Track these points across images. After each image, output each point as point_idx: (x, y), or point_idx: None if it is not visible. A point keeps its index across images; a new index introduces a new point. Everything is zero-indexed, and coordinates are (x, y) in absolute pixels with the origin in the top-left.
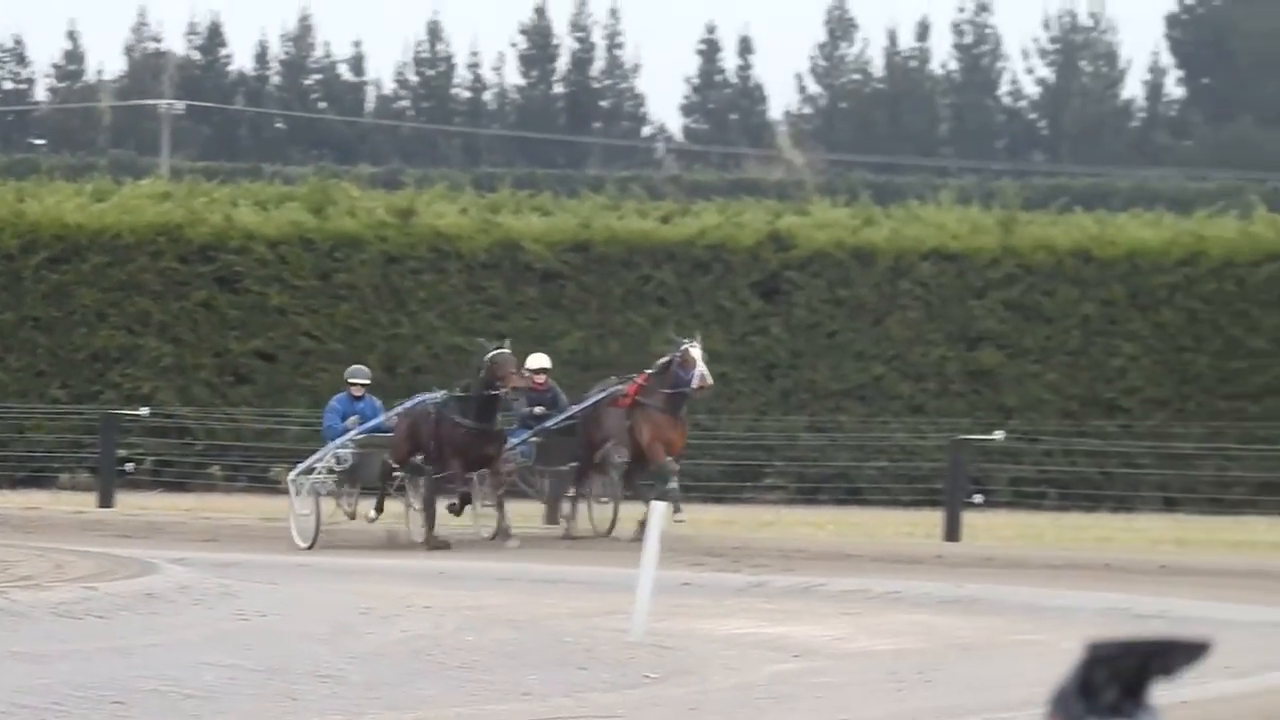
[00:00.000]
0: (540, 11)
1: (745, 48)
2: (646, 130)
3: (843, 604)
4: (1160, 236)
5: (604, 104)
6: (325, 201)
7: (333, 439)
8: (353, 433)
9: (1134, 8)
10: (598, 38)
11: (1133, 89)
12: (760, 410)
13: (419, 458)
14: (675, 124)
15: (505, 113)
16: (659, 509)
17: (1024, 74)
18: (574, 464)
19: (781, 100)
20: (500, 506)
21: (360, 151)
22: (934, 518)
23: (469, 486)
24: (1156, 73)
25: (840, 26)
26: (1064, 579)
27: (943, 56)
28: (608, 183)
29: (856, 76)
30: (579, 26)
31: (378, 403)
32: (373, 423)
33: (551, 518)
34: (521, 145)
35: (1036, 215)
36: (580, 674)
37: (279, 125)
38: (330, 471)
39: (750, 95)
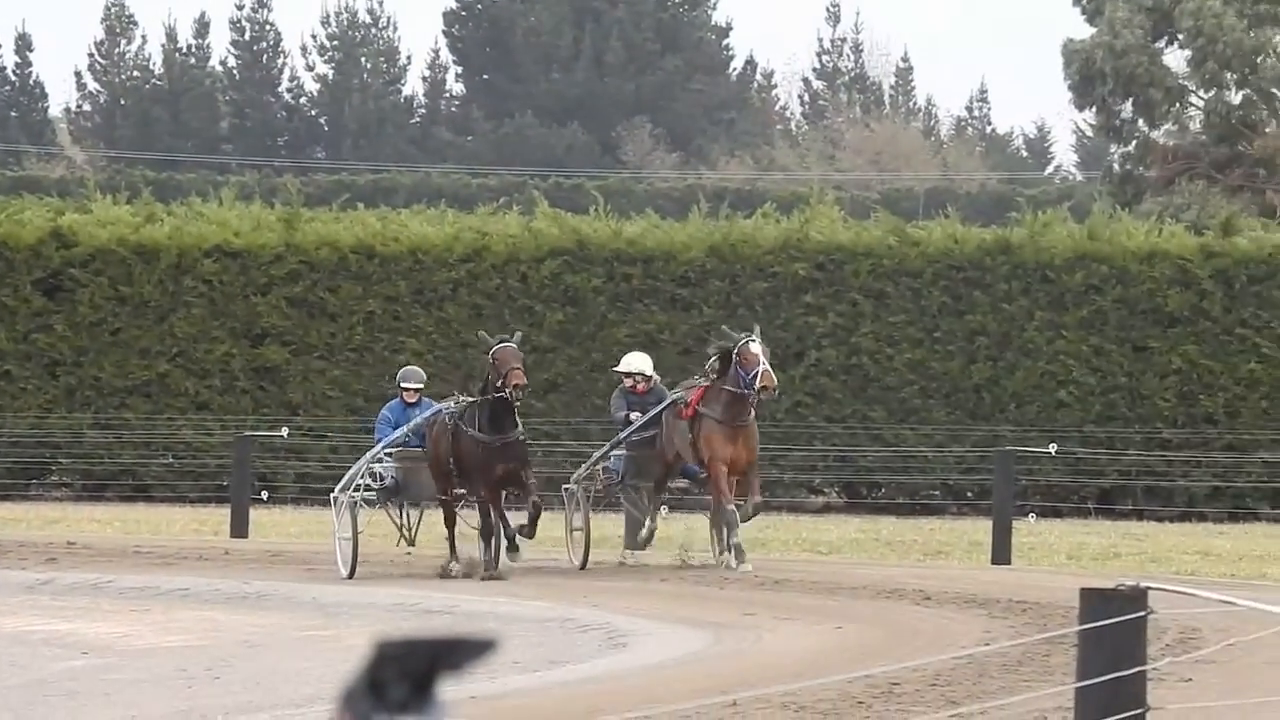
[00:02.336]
0: None
1: (24, 44)
2: None
3: (131, 601)
4: (443, 233)
5: None
6: None
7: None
8: (381, 445)
9: (412, 3)
10: None
11: (413, 86)
12: (44, 408)
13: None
14: None
15: None
16: None
17: (304, 71)
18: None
19: (62, 97)
20: (533, 525)
21: None
22: (221, 514)
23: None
24: (437, 69)
25: (119, 23)
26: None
27: (222, 53)
28: None
29: (136, 74)
30: None
31: (438, 407)
32: (398, 433)
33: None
34: None
35: (319, 212)
36: None
37: None
38: (368, 489)
39: (30, 92)
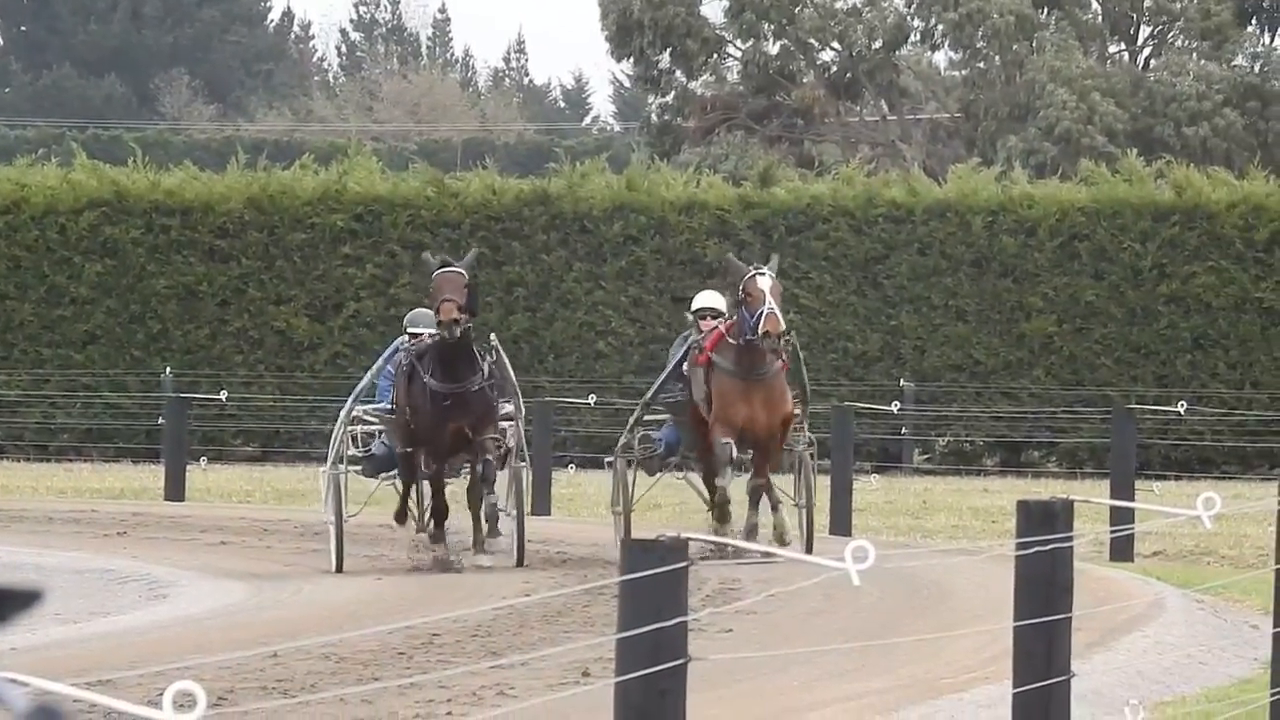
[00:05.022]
0: None
1: None
2: None
3: None
4: None
5: None
6: None
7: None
8: (350, 400)
9: None
10: None
11: None
12: None
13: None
14: None
15: None
16: None
17: None
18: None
19: None
20: (477, 505)
21: None
22: None
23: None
24: None
25: None
26: None
27: None
28: None
29: None
30: None
31: (398, 343)
32: (363, 382)
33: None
34: None
35: None
36: None
37: None
38: (354, 460)
39: None
